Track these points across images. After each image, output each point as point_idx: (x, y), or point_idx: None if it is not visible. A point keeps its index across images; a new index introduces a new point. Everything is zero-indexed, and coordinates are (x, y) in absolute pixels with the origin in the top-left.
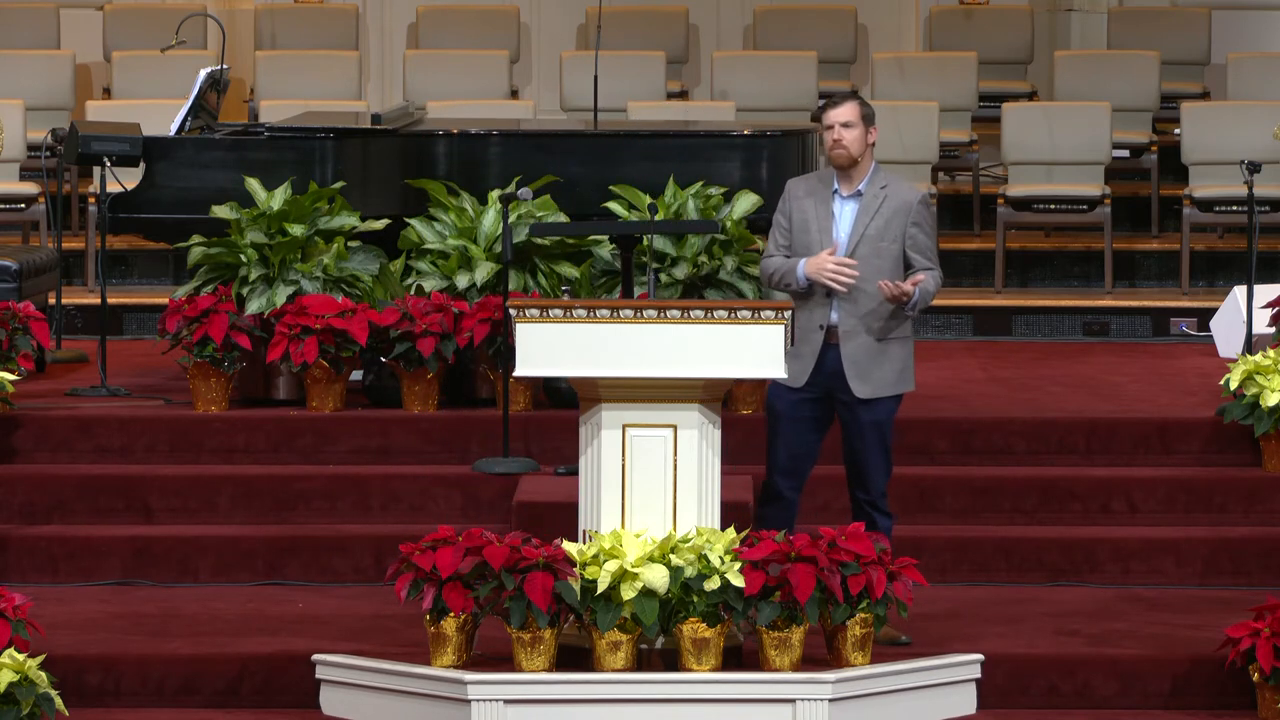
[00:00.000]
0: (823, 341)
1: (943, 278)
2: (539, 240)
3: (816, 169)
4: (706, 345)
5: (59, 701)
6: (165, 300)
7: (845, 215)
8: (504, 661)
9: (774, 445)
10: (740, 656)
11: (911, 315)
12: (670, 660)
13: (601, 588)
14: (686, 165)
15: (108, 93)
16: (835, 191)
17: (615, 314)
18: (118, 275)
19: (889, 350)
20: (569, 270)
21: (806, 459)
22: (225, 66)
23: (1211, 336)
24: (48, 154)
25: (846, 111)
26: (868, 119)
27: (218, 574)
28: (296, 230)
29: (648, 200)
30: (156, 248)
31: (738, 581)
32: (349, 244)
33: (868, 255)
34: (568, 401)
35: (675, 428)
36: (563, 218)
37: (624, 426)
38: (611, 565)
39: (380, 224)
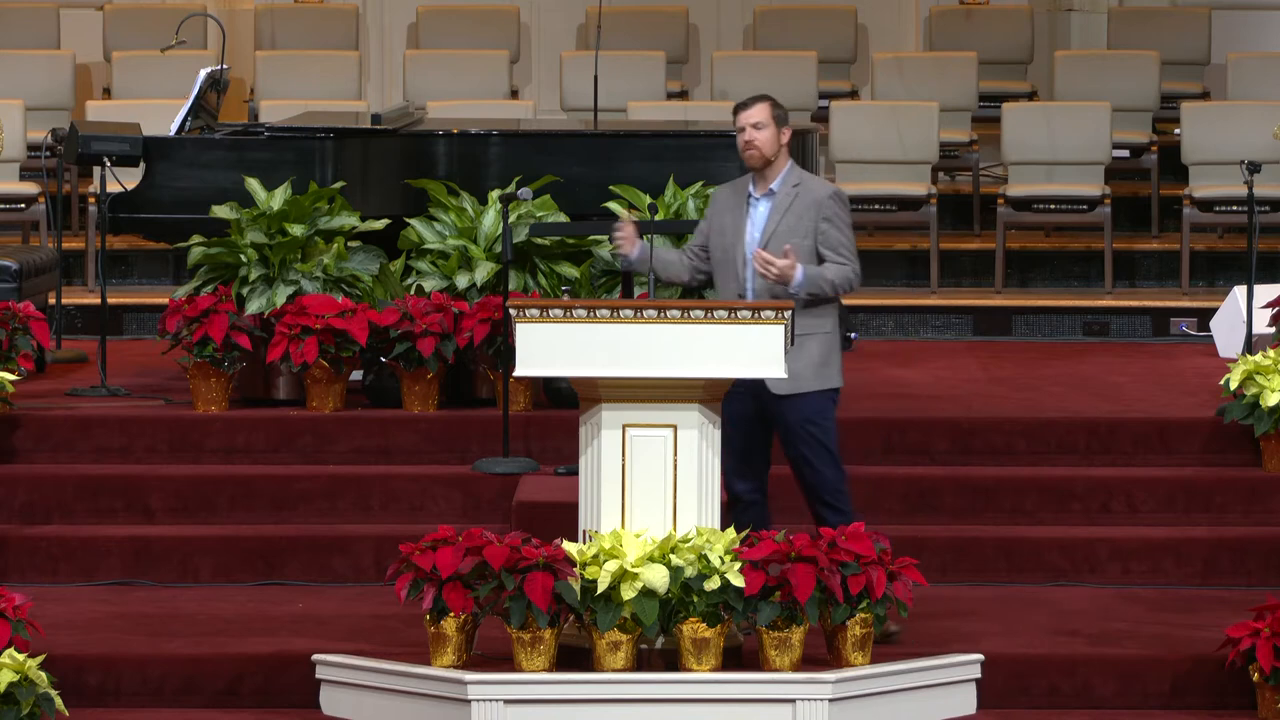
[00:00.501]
0: None
1: (859, 275)
2: (539, 240)
3: (816, 168)
4: (706, 345)
5: (59, 701)
6: (165, 300)
7: (759, 215)
8: (504, 661)
9: (722, 451)
10: (740, 656)
11: (798, 295)
12: (670, 660)
13: (601, 588)
14: (686, 165)
15: (108, 93)
16: (750, 194)
17: (615, 314)
18: (118, 275)
19: (806, 345)
20: (569, 270)
21: (757, 456)
22: (225, 66)
23: (1211, 336)
24: (48, 154)
25: (758, 113)
26: (780, 119)
27: (218, 574)
28: (296, 230)
29: (648, 200)
30: (156, 248)
31: (738, 581)
32: (349, 244)
33: (779, 253)
34: (568, 401)
35: (675, 428)
36: (563, 218)
37: (624, 426)
38: (611, 565)
39: (380, 224)
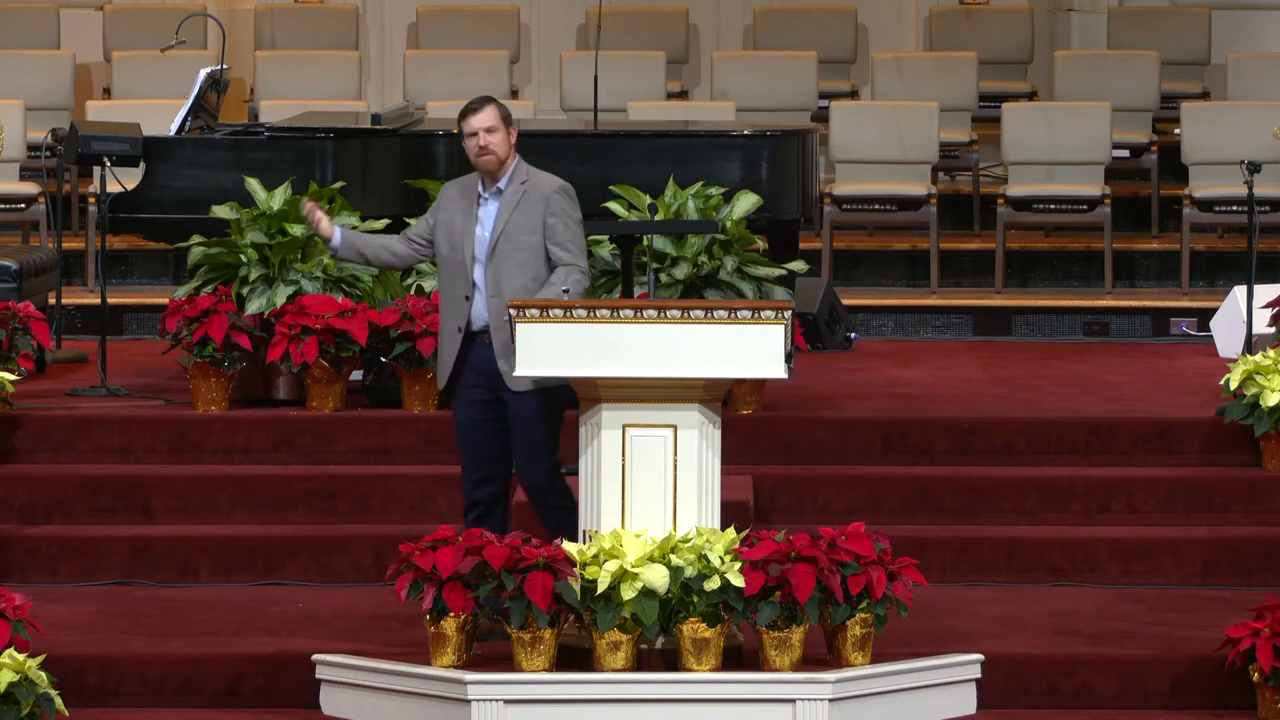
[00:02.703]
0: (462, 341)
1: (586, 273)
2: None
3: (816, 168)
4: (706, 345)
5: (59, 701)
6: (165, 300)
7: (488, 213)
8: (504, 661)
9: (465, 456)
10: (740, 656)
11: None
12: (670, 660)
13: (601, 588)
14: (686, 165)
15: (108, 93)
16: (479, 192)
17: (615, 314)
18: (118, 275)
19: None
20: None
21: (500, 461)
22: (225, 66)
23: (1211, 336)
24: (48, 154)
25: (488, 117)
26: (508, 120)
27: (218, 574)
28: (296, 230)
29: (648, 200)
30: (156, 248)
31: (738, 581)
32: None
33: (509, 250)
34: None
35: (675, 428)
36: None
37: (624, 426)
38: (611, 565)
39: (380, 224)
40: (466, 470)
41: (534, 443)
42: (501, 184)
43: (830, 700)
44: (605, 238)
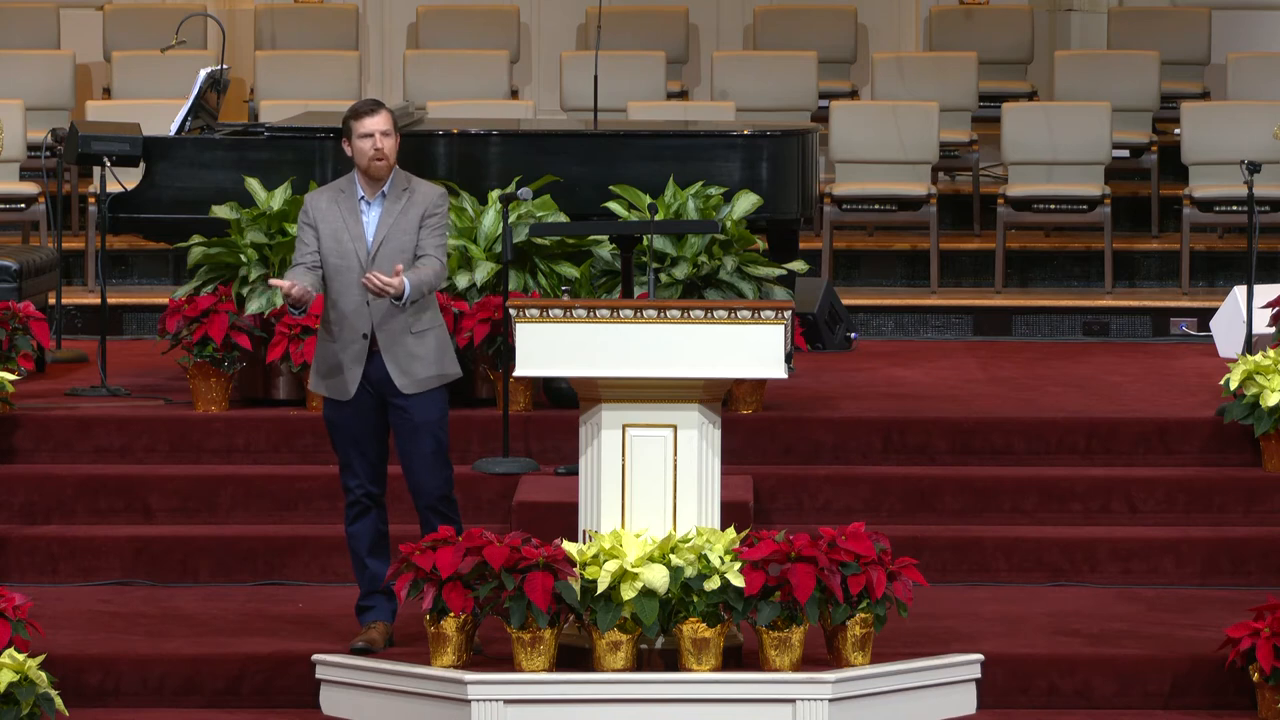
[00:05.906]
0: (368, 349)
1: (446, 270)
2: (539, 240)
3: (816, 168)
4: (706, 345)
5: (59, 701)
6: (165, 300)
7: (373, 219)
8: (504, 661)
9: (350, 462)
10: (740, 656)
11: (402, 307)
12: (670, 660)
13: (601, 588)
14: (686, 165)
15: (108, 93)
16: (361, 198)
17: (615, 314)
18: (118, 275)
19: (425, 341)
20: (569, 270)
21: (382, 463)
22: (225, 66)
23: (1211, 336)
24: (48, 154)
25: (384, 120)
26: (397, 126)
27: (218, 574)
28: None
29: (648, 200)
30: (156, 248)
31: (738, 581)
32: None
33: (390, 254)
34: (568, 401)
35: (675, 428)
36: (563, 218)
37: (624, 426)
38: (611, 565)
39: None
40: (355, 476)
41: (437, 448)
42: (386, 189)
43: (830, 700)
44: (605, 238)
